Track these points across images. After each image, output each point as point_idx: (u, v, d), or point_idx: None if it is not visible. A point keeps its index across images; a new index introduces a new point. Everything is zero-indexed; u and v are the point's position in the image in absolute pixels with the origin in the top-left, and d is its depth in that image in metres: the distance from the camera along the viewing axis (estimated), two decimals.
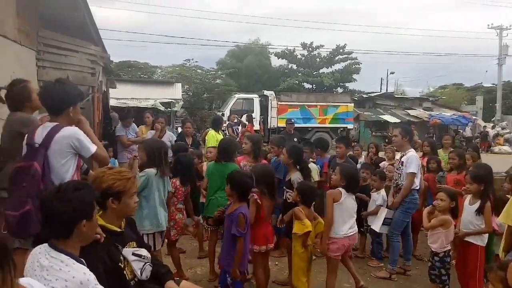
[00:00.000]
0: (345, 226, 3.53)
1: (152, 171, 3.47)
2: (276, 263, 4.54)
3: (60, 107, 2.59)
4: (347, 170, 3.70)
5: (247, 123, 13.32)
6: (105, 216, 2.05)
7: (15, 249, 2.54)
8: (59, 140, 2.47)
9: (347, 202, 3.57)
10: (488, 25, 30.08)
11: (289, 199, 3.97)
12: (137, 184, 2.36)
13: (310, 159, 5.25)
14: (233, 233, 3.14)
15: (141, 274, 2.09)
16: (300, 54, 33.43)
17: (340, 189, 3.56)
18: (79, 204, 1.69)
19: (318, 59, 33.37)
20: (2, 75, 4.30)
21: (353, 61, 32.69)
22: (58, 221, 1.68)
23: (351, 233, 3.60)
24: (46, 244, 1.72)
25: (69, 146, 2.50)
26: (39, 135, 2.49)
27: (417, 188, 4.45)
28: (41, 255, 1.68)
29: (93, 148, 2.58)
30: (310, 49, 32.87)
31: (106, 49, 7.92)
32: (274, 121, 18.11)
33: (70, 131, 2.53)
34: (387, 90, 34.30)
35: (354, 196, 3.70)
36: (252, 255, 3.53)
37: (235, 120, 12.58)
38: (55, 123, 2.54)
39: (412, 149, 4.57)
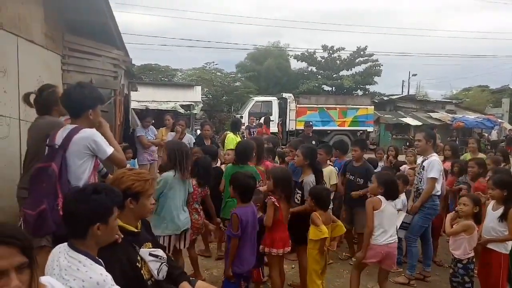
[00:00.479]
0: (386, 234, 3.52)
1: (169, 174, 3.49)
2: (293, 266, 4.53)
3: (79, 110, 2.68)
4: (384, 177, 3.71)
5: (258, 125, 13.31)
6: (123, 216, 2.10)
7: (42, 247, 2.64)
8: (77, 142, 2.54)
9: (387, 210, 3.55)
10: None
11: (298, 200, 3.94)
12: (154, 186, 2.40)
13: (328, 162, 5.21)
14: (227, 233, 3.14)
15: (158, 274, 2.13)
16: (320, 57, 33.26)
17: (380, 196, 3.56)
18: (95, 207, 1.72)
19: (338, 61, 33.08)
20: (29, 79, 4.47)
21: (374, 63, 32.26)
22: (74, 221, 1.73)
23: (392, 241, 3.57)
24: (66, 244, 1.77)
25: (86, 147, 2.57)
26: (59, 137, 2.57)
27: (438, 193, 4.36)
28: (61, 255, 1.72)
29: (109, 150, 2.64)
30: (330, 51, 32.65)
31: (128, 53, 8.08)
32: (293, 124, 18.06)
33: (88, 133, 2.59)
34: (408, 92, 33.68)
35: (394, 204, 3.67)
36: (268, 258, 3.54)
37: (254, 124, 12.61)
38: (74, 125, 2.62)
39: (435, 154, 4.47)
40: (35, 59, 4.78)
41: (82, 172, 2.57)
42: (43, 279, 1.42)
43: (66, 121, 2.90)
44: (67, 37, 5.79)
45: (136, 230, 2.16)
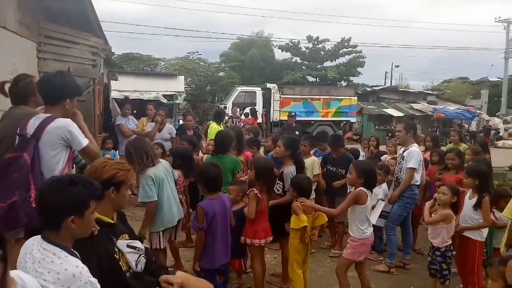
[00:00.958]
0: (370, 226, 3.49)
1: (155, 169, 3.38)
2: (275, 256, 4.55)
3: (57, 98, 2.57)
4: (363, 167, 3.50)
5: (244, 116, 13.24)
6: (100, 207, 2.04)
7: (19, 239, 2.55)
8: (50, 131, 2.44)
9: (369, 202, 3.48)
10: (496, 19, 29.76)
11: (278, 190, 3.91)
12: (134, 177, 2.34)
13: (311, 152, 5.21)
14: (191, 226, 3.11)
15: (136, 266, 2.10)
16: (305, 47, 33.24)
17: (364, 189, 3.37)
18: (70, 199, 1.66)
19: (322, 52, 33.16)
20: (2, 67, 4.30)
21: (357, 54, 32.47)
22: (48, 212, 1.67)
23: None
24: (39, 236, 1.71)
25: (60, 137, 2.47)
26: (31, 126, 2.47)
27: (417, 183, 4.43)
28: (34, 247, 1.66)
29: (84, 141, 2.54)
30: (315, 42, 32.66)
31: (108, 41, 7.89)
32: (277, 114, 18.09)
33: (62, 123, 2.49)
34: (391, 83, 34.13)
35: (375, 193, 3.67)
36: (250, 248, 3.53)
37: (237, 114, 12.55)
38: (48, 115, 2.51)
39: (415, 144, 4.53)
40: (8, 46, 4.60)
41: (55, 163, 2.47)
42: (12, 273, 1.37)
43: (40, 111, 2.79)
44: (42, 24, 5.59)
45: (112, 222, 2.12)
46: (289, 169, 3.86)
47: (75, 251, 1.72)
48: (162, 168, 3.46)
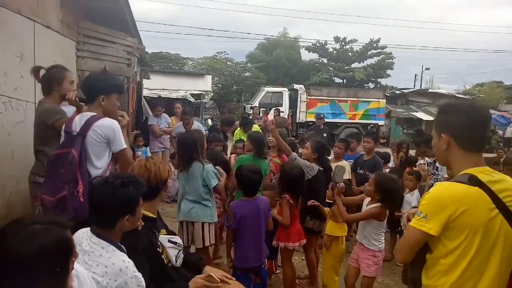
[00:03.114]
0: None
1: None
2: (303, 258, 4.53)
3: (91, 95, 2.61)
4: (384, 183, 3.13)
5: (262, 114, 13.19)
6: (149, 205, 2.14)
7: None
8: (96, 130, 2.50)
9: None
10: None
11: None
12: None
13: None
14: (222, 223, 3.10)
15: (176, 261, 2.16)
16: (332, 48, 32.90)
17: (381, 205, 3.11)
18: (124, 201, 1.73)
19: (350, 53, 32.72)
20: (45, 64, 4.46)
21: (386, 56, 31.83)
22: (103, 214, 1.74)
23: None
24: (88, 229, 1.78)
25: (103, 136, 2.52)
26: (77, 124, 2.54)
27: None
28: (83, 240, 1.74)
29: (124, 145, 2.58)
30: (342, 43, 32.26)
31: (141, 40, 8.08)
32: (303, 115, 17.99)
33: (109, 122, 2.55)
34: (421, 86, 33.26)
35: (409, 200, 3.53)
36: (282, 251, 3.51)
37: (259, 115, 12.59)
38: (93, 113, 2.57)
39: None
40: (51, 45, 4.80)
41: (99, 161, 2.54)
42: None
43: (83, 109, 2.83)
44: (82, 23, 5.80)
45: (154, 217, 2.20)
46: None
47: (122, 246, 1.78)
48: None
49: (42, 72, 3.10)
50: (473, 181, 1.52)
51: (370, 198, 3.26)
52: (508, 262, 1.55)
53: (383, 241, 3.23)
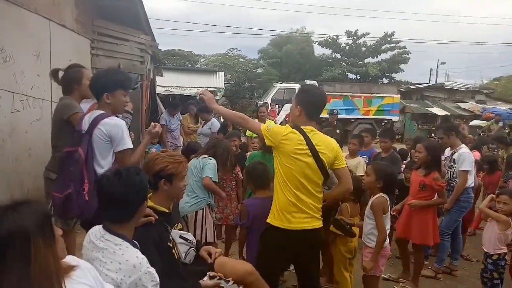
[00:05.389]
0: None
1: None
2: None
3: (97, 93, 2.60)
4: (384, 169, 3.19)
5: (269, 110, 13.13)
6: (155, 197, 2.14)
7: (72, 228, 2.72)
8: (101, 128, 2.48)
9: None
10: None
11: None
12: (186, 168, 2.38)
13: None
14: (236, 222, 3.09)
15: (185, 258, 2.16)
16: (345, 43, 32.55)
17: (385, 196, 3.12)
18: (142, 188, 1.77)
19: (363, 48, 32.32)
20: (61, 63, 4.55)
21: (401, 50, 31.33)
22: (123, 205, 1.74)
23: None
24: (101, 227, 1.79)
25: (107, 135, 2.49)
26: (86, 122, 2.54)
27: (472, 185, 4.23)
28: (96, 237, 1.75)
29: (125, 146, 2.51)
30: (355, 37, 31.87)
31: (155, 38, 8.12)
32: None
33: (113, 121, 2.52)
34: (436, 81, 32.67)
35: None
36: None
37: (266, 112, 12.55)
38: (101, 112, 2.55)
39: (463, 145, 4.33)
40: (66, 43, 4.87)
41: (104, 159, 2.51)
42: (68, 258, 1.45)
43: (93, 106, 2.85)
44: (96, 21, 5.86)
45: (167, 211, 2.20)
46: None
47: (135, 242, 1.80)
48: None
49: (60, 73, 3.16)
50: (300, 130, 2.51)
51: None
52: (307, 180, 2.49)
53: (387, 241, 3.18)
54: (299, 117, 2.56)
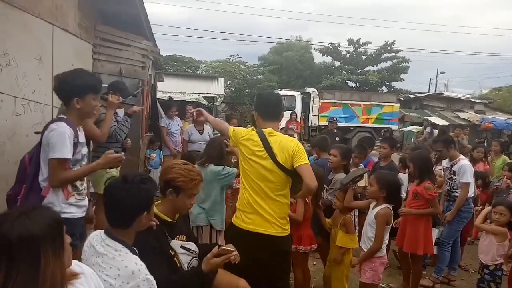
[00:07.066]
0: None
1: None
2: (314, 262, 4.52)
3: (65, 98, 2.45)
4: (387, 178, 3.20)
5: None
6: (161, 205, 2.14)
7: None
8: (46, 133, 2.37)
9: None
10: None
11: (328, 198, 3.95)
12: (199, 188, 2.27)
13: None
14: None
15: (188, 268, 2.15)
16: (345, 51, 32.72)
17: (388, 206, 3.13)
18: (144, 197, 1.77)
19: (364, 57, 32.48)
20: (63, 68, 4.57)
21: (401, 59, 31.48)
22: (122, 211, 1.75)
23: None
24: (103, 231, 1.80)
25: (47, 141, 2.35)
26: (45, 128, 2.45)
27: (472, 196, 4.28)
28: (97, 242, 1.76)
29: (55, 155, 2.29)
30: (356, 45, 32.04)
31: (156, 43, 8.16)
32: (315, 119, 17.90)
33: (54, 126, 2.36)
34: (435, 90, 32.79)
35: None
36: (293, 255, 3.49)
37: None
38: (62, 116, 2.44)
39: (462, 156, 4.37)
40: (68, 48, 4.89)
41: (46, 165, 2.36)
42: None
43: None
44: (98, 26, 5.89)
45: (169, 220, 2.19)
46: (340, 176, 3.85)
47: (134, 248, 1.80)
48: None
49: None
50: (259, 132, 2.60)
51: (375, 203, 3.22)
52: (263, 181, 2.52)
53: (384, 247, 3.18)
54: (258, 121, 2.71)
